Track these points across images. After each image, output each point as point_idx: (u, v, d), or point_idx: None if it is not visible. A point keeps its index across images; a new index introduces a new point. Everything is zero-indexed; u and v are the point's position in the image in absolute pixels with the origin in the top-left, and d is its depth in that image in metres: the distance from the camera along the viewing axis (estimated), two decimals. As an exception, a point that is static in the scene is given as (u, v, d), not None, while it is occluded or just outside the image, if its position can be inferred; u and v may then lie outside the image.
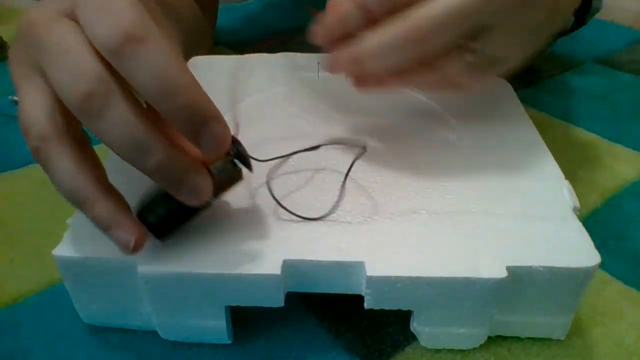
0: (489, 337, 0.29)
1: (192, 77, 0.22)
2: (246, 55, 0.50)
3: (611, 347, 0.29)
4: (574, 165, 0.43)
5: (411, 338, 0.29)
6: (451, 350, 0.29)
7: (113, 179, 0.32)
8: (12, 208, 0.40)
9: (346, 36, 0.28)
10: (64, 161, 0.23)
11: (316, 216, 0.28)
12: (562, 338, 0.29)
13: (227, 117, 0.39)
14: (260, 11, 0.80)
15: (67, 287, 0.28)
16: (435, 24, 0.26)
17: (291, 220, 0.28)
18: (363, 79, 0.30)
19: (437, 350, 0.29)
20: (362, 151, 0.29)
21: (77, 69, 0.21)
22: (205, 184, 0.24)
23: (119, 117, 0.21)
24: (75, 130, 0.24)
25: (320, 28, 0.28)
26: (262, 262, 0.26)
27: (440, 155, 0.34)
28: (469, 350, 0.29)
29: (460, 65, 0.28)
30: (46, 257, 0.35)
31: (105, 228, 0.24)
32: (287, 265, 0.26)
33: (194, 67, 0.46)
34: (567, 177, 0.32)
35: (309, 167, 0.33)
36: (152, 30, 0.21)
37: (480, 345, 0.28)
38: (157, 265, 0.26)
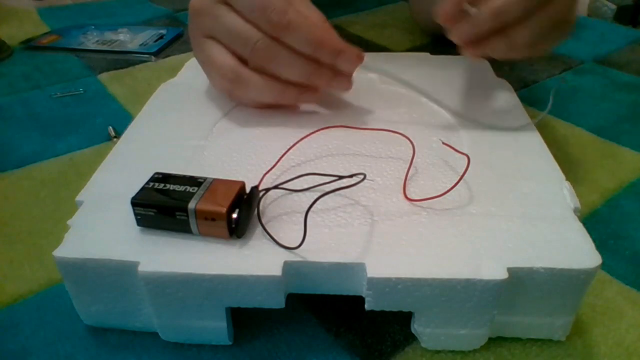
0: (490, 338, 0.29)
1: (319, 26, 0.35)
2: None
3: (611, 347, 0.29)
4: (574, 165, 0.43)
5: (411, 338, 0.29)
6: (452, 351, 0.29)
7: (113, 178, 0.32)
8: (12, 208, 0.39)
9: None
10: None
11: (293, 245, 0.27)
12: (563, 339, 0.29)
13: (227, 117, 0.39)
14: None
15: (67, 288, 0.28)
16: None
17: (291, 222, 0.28)
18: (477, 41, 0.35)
19: (438, 351, 0.29)
20: (359, 180, 0.29)
21: (245, 34, 0.35)
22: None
23: (285, 54, 0.35)
24: None
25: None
26: (262, 263, 0.26)
27: (440, 156, 0.34)
28: (469, 351, 0.29)
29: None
30: (46, 257, 0.35)
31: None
32: (288, 267, 0.26)
33: (194, 68, 0.46)
34: (567, 177, 0.32)
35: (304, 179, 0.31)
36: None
37: (481, 346, 0.28)
38: (157, 266, 0.26)
